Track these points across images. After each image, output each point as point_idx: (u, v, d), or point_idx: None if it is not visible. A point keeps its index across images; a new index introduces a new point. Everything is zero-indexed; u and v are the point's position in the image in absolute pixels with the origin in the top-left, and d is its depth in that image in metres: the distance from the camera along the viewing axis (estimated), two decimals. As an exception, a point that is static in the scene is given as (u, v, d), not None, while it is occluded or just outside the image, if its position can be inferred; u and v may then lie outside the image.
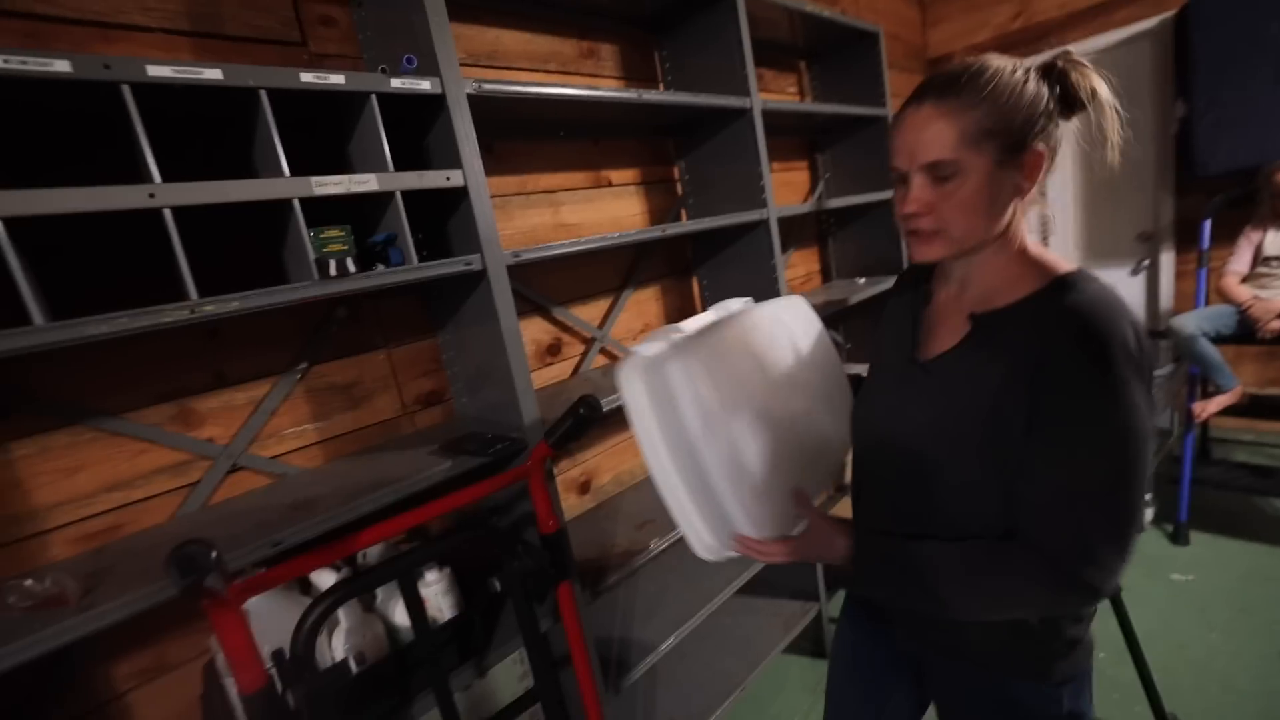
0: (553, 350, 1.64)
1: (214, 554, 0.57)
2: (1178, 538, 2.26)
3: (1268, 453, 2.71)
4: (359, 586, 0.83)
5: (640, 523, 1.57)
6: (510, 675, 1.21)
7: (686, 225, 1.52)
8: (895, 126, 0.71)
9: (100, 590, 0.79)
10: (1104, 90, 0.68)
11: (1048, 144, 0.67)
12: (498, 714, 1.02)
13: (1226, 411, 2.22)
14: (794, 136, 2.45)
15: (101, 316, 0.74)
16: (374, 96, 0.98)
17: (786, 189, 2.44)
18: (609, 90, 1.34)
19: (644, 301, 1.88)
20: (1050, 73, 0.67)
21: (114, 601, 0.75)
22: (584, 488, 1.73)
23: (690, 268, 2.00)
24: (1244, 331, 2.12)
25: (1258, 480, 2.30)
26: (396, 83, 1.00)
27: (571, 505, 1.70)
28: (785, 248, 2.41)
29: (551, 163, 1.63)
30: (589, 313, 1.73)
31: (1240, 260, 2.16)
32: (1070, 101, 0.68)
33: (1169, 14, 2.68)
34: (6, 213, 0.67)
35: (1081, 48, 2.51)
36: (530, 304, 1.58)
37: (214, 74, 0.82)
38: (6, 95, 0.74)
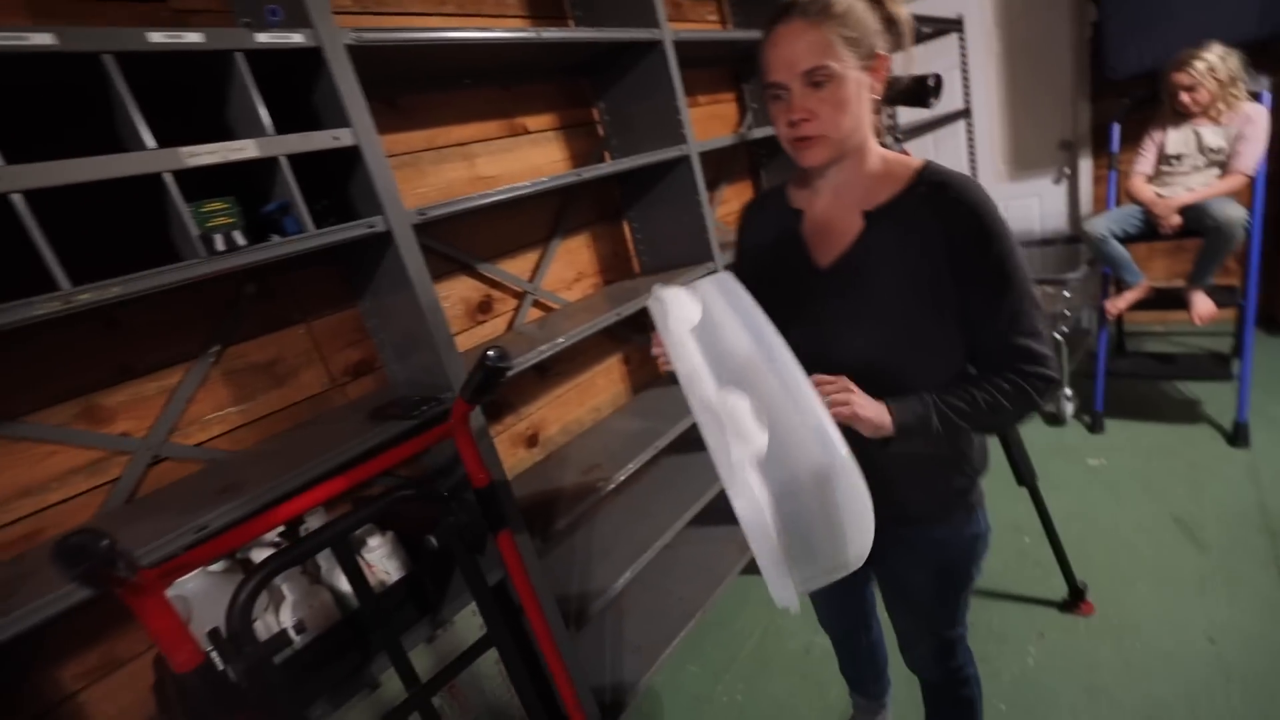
0: (484, 308, 1.62)
1: (105, 541, 0.57)
2: (1094, 427, 2.45)
3: (1174, 340, 2.92)
4: (290, 558, 0.84)
5: (588, 468, 1.62)
6: (472, 624, 1.26)
7: (601, 168, 1.49)
8: (769, 44, 0.77)
9: (17, 597, 0.78)
10: (906, 17, 0.80)
11: (887, 52, 0.78)
12: (455, 660, 1.07)
13: (1139, 306, 2.37)
14: (718, 67, 2.39)
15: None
16: (239, 55, 0.91)
17: (715, 122, 2.40)
18: (508, 31, 1.28)
19: (575, 250, 1.86)
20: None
21: (29, 605, 0.74)
22: (531, 441, 1.76)
23: (620, 212, 1.98)
24: (1150, 229, 2.23)
25: (1164, 367, 2.49)
26: (263, 38, 0.93)
27: (521, 459, 1.72)
28: (716, 183, 2.39)
29: (462, 114, 1.56)
30: (518, 266, 1.70)
31: (1145, 161, 2.25)
32: (892, 24, 0.79)
33: (1080, -87, 2.66)
34: None
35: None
36: (454, 262, 1.55)
37: (45, 39, 0.75)
38: None
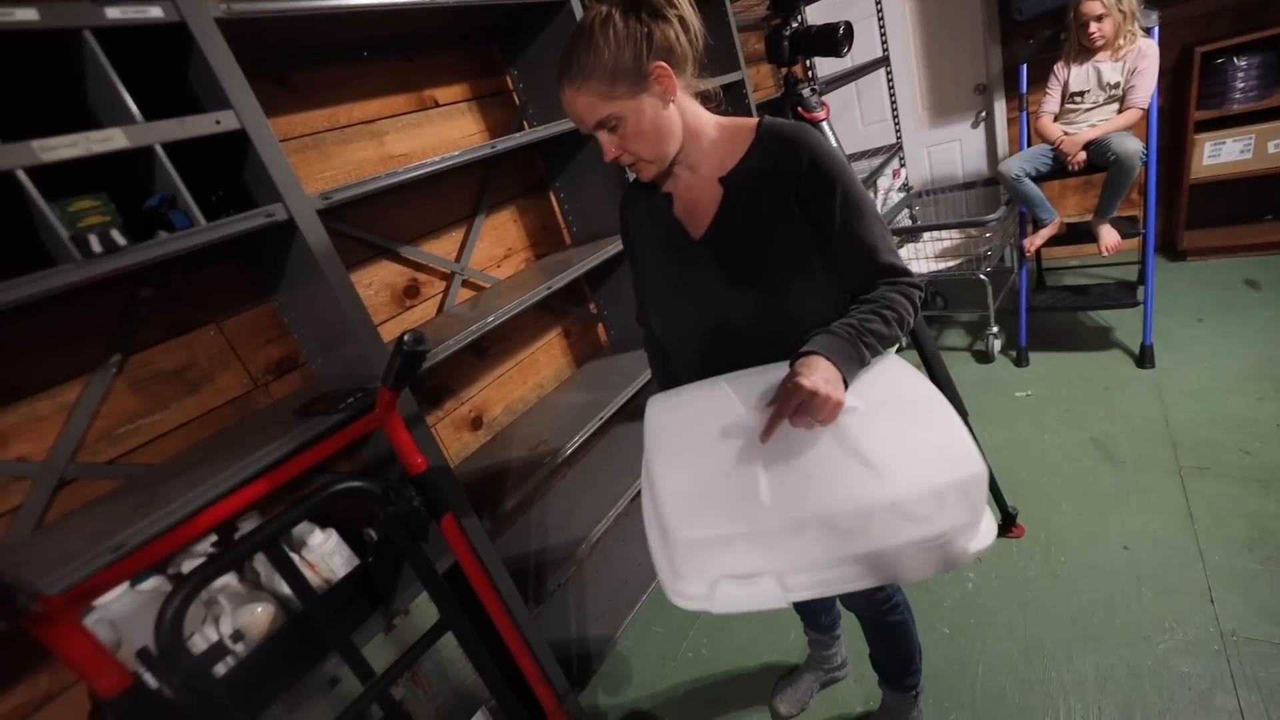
0: (410, 292, 1.57)
1: (-8, 575, 0.53)
2: (1020, 361, 2.59)
3: (1088, 273, 3.09)
4: (217, 567, 0.81)
5: (535, 444, 1.61)
6: (430, 611, 1.25)
7: (517, 137, 1.45)
8: (561, 102, 0.83)
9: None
10: (671, 34, 0.80)
11: (666, 57, 0.79)
12: (407, 651, 1.06)
13: (1055, 242, 2.49)
14: (636, 26, 2.34)
15: None
16: (88, 34, 0.83)
17: (638, 85, 2.35)
18: (398, -5, 1.21)
19: (501, 225, 1.81)
20: (632, 5, 0.78)
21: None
22: (476, 423, 1.73)
23: (545, 183, 1.94)
24: (1059, 167, 2.34)
25: (1079, 298, 2.64)
26: (115, 12, 0.85)
27: (466, 443, 1.70)
28: (646, 148, 2.36)
29: (364, 89, 1.48)
30: (443, 247, 1.65)
31: (1051, 100, 2.34)
32: (654, 11, 0.78)
33: None
34: None
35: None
36: (373, 247, 1.49)
37: None
38: None
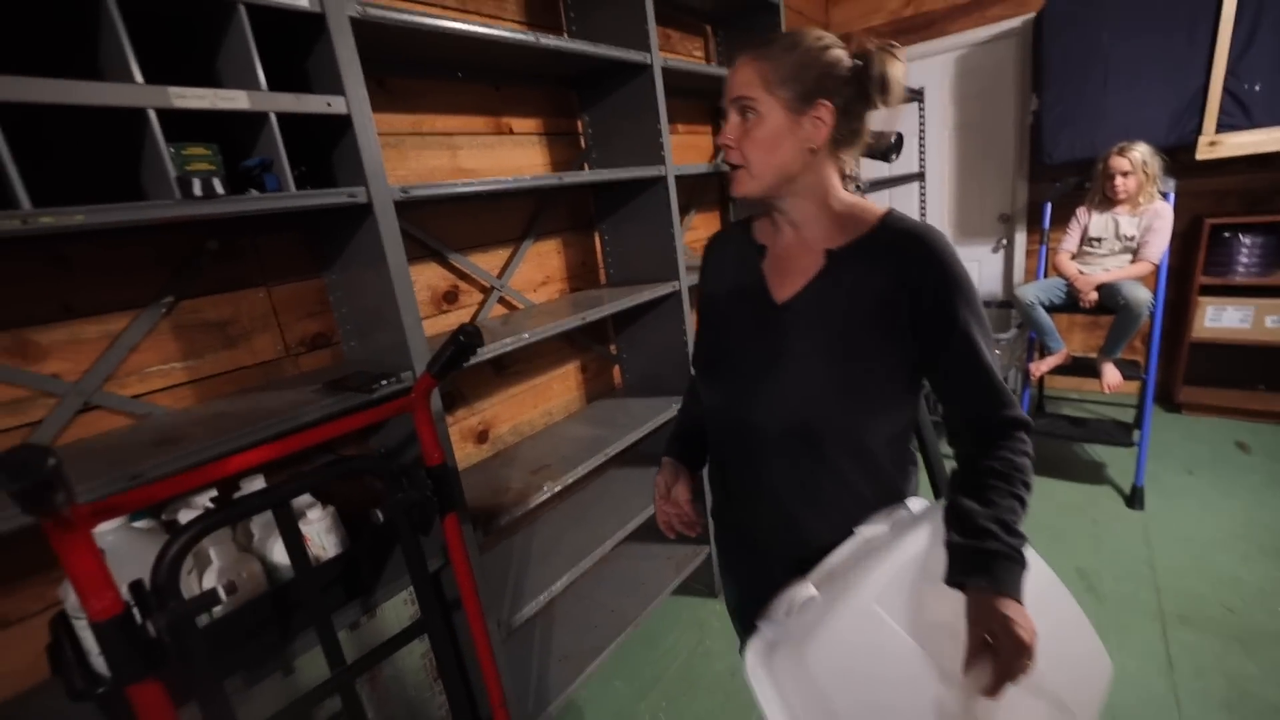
0: (449, 298, 1.62)
1: (53, 460, 0.54)
2: (1012, 480, 2.62)
3: (1086, 407, 3.18)
4: (226, 516, 0.81)
5: (536, 469, 1.62)
6: (401, 614, 1.23)
7: (583, 175, 1.54)
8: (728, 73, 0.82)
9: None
10: (897, 79, 0.77)
11: (840, 106, 0.77)
12: (384, 644, 1.04)
13: (1058, 371, 2.58)
14: (699, 99, 2.51)
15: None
16: (243, 7, 0.91)
17: (692, 151, 2.50)
18: (505, 30, 1.32)
19: (545, 254, 1.89)
20: (863, 53, 0.78)
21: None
22: (482, 436, 1.74)
23: (593, 222, 2.03)
24: (1071, 302, 2.46)
25: (1076, 429, 2.70)
26: (268, -6, 0.94)
27: (470, 454, 1.71)
28: (688, 209, 2.48)
29: (449, 104, 1.59)
30: (488, 261, 1.72)
31: (1071, 240, 2.49)
32: (869, 81, 0.77)
33: (1030, 15, 2.98)
34: None
35: (961, 39, 2.73)
36: (425, 249, 1.55)
37: (45, -41, 0.74)
38: None
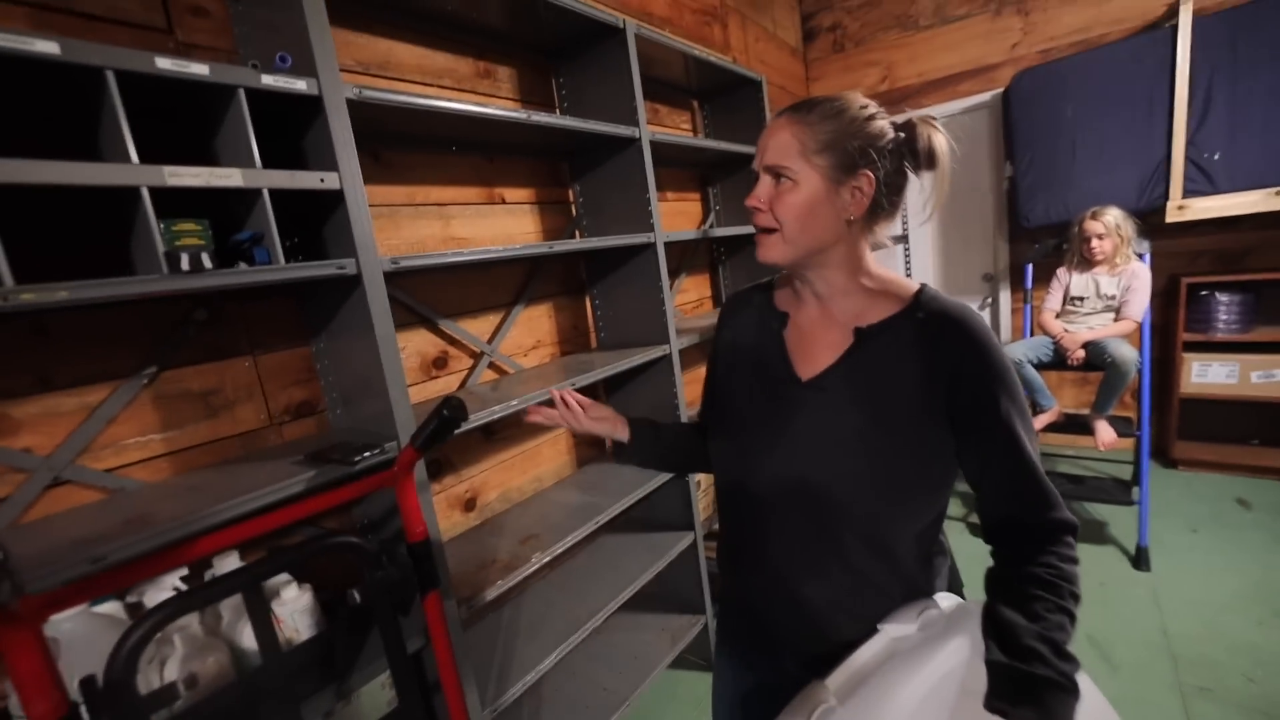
0: (439, 363, 1.61)
1: (0, 555, 0.51)
2: (1014, 540, 2.56)
3: (1082, 464, 3.15)
4: (192, 602, 0.77)
5: (524, 538, 1.56)
6: (379, 699, 1.15)
7: (572, 243, 1.57)
8: (767, 128, 0.80)
9: None
10: (941, 149, 0.75)
11: (881, 177, 0.74)
12: (357, 736, 0.97)
13: (1051, 429, 2.57)
14: (687, 169, 2.61)
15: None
16: (242, 91, 0.95)
17: (681, 217, 2.57)
18: (498, 109, 1.38)
19: (536, 318, 1.90)
20: (906, 125, 0.76)
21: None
22: (469, 504, 1.69)
23: (584, 287, 2.06)
24: (1059, 359, 2.48)
25: (1074, 488, 2.67)
26: (269, 79, 0.98)
27: (456, 522, 1.65)
28: (678, 273, 2.53)
29: (443, 176, 1.63)
30: (478, 326, 1.72)
31: (1054, 299, 2.54)
32: (915, 153, 0.75)
33: (999, 90, 3.15)
34: None
35: (936, 111, 2.88)
36: (415, 315, 1.56)
37: (49, 47, 0.77)
38: None
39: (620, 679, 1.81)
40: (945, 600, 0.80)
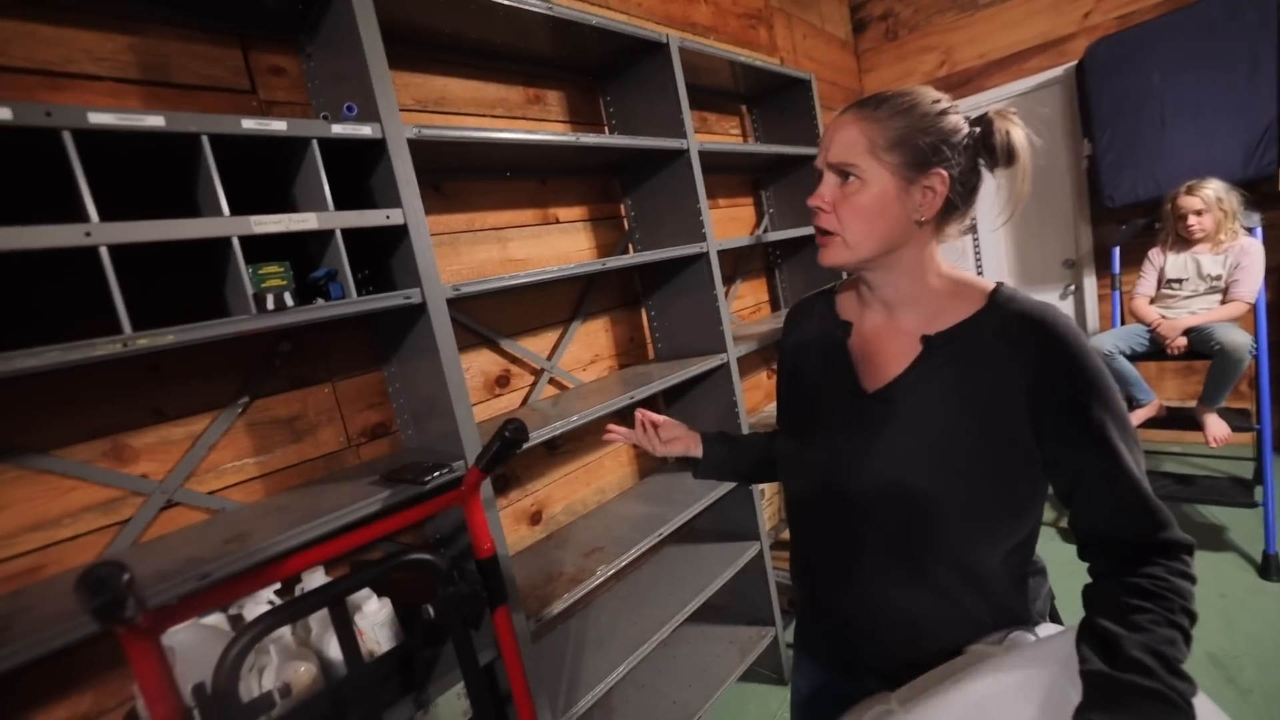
0: (501, 381, 1.67)
1: (126, 575, 0.58)
2: (1115, 548, 2.36)
3: (1192, 462, 2.86)
4: (286, 615, 0.83)
5: (589, 550, 1.59)
6: (455, 709, 1.20)
7: (625, 259, 1.59)
8: (833, 121, 0.77)
9: (13, 629, 0.78)
10: (1020, 144, 0.70)
11: (955, 175, 0.70)
12: (436, 745, 1.01)
13: (1154, 425, 2.36)
14: (738, 174, 2.59)
15: (31, 350, 0.76)
16: (315, 141, 1.03)
17: (734, 223, 2.56)
18: (549, 134, 1.42)
19: (593, 333, 1.94)
20: (982, 120, 0.71)
21: (23, 641, 0.74)
22: (535, 518, 1.74)
23: (639, 299, 2.08)
24: (1156, 349, 2.27)
25: (1184, 489, 2.43)
26: (338, 129, 1.05)
27: (523, 536, 1.70)
28: (733, 279, 2.51)
29: (499, 201, 1.70)
30: (538, 344, 1.77)
31: (1146, 283, 2.34)
32: (991, 150, 0.71)
33: (1072, 63, 2.94)
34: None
35: (1000, 93, 2.71)
36: (478, 336, 1.62)
37: (156, 121, 0.86)
38: (-58, 141, 0.77)
39: (690, 692, 1.80)
40: (1044, 630, 0.74)
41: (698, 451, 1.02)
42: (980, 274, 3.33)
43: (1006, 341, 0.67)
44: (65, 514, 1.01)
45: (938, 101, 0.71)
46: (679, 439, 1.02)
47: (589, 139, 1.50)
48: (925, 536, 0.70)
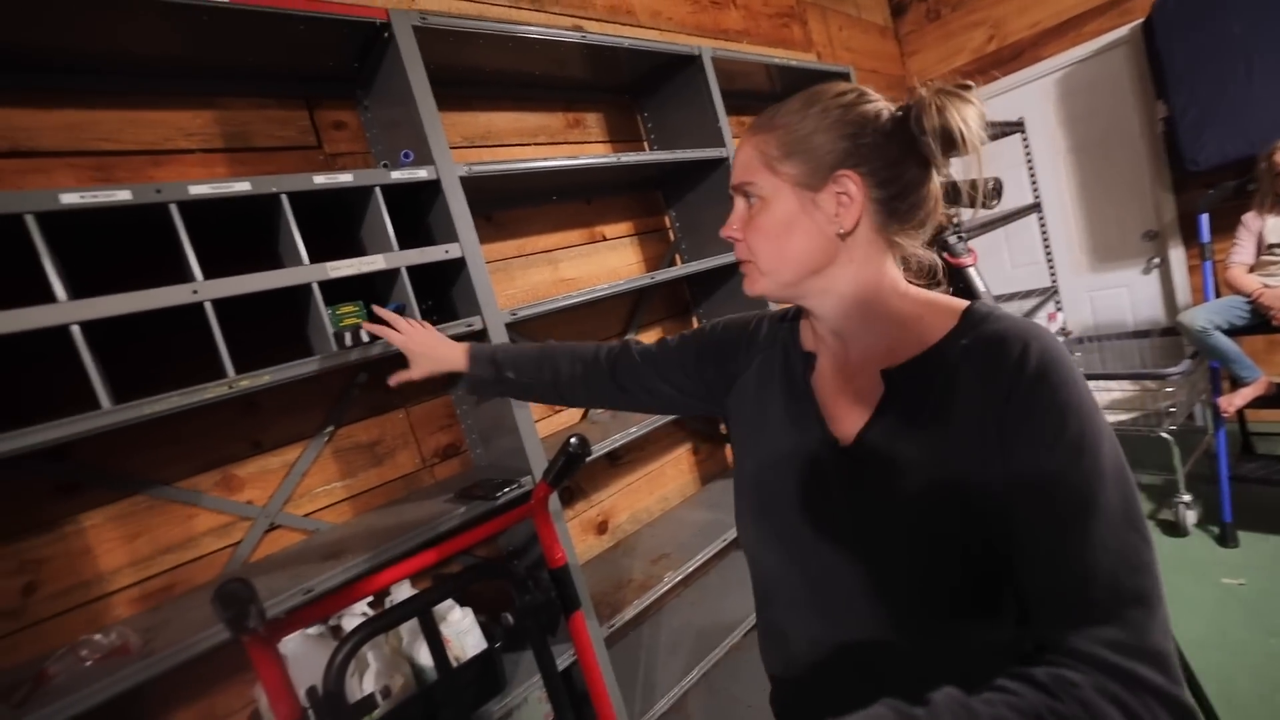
0: (561, 397, 1.74)
1: (251, 591, 0.66)
2: (1225, 539, 2.17)
3: (1313, 443, 2.59)
4: (381, 625, 0.91)
5: (656, 557, 1.62)
6: (536, 712, 1.26)
7: (673, 270, 1.63)
8: None
9: (156, 641, 0.89)
10: (960, 125, 0.56)
11: (873, 175, 0.58)
12: (520, 747, 1.07)
13: (1261, 404, 2.16)
14: (782, 175, 2.57)
15: (156, 397, 0.87)
16: (377, 189, 1.12)
17: (780, 225, 2.54)
18: (592, 157, 1.48)
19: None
20: (911, 104, 0.58)
21: (170, 650, 0.85)
22: (601, 527, 1.79)
23: (689, 307, 2.10)
24: (1259, 321, 2.08)
25: (1301, 472, 2.21)
26: (396, 175, 1.15)
27: (590, 545, 1.76)
28: (784, 280, 2.49)
29: (548, 224, 1.77)
30: (594, 359, 1.83)
31: (1243, 250, 2.15)
32: (925, 136, 0.57)
33: (1137, 21, 2.76)
34: (83, 317, 0.81)
35: (1057, 62, 2.57)
36: (537, 355, 1.69)
37: (243, 186, 0.97)
38: (82, 221, 0.90)
39: (764, 695, 1.79)
40: None
41: (461, 366, 0.97)
42: (1049, 258, 3.16)
43: (977, 369, 0.54)
44: (189, 538, 1.14)
45: (843, 94, 0.61)
46: (431, 352, 0.97)
47: (629, 158, 1.55)
48: (911, 631, 0.58)
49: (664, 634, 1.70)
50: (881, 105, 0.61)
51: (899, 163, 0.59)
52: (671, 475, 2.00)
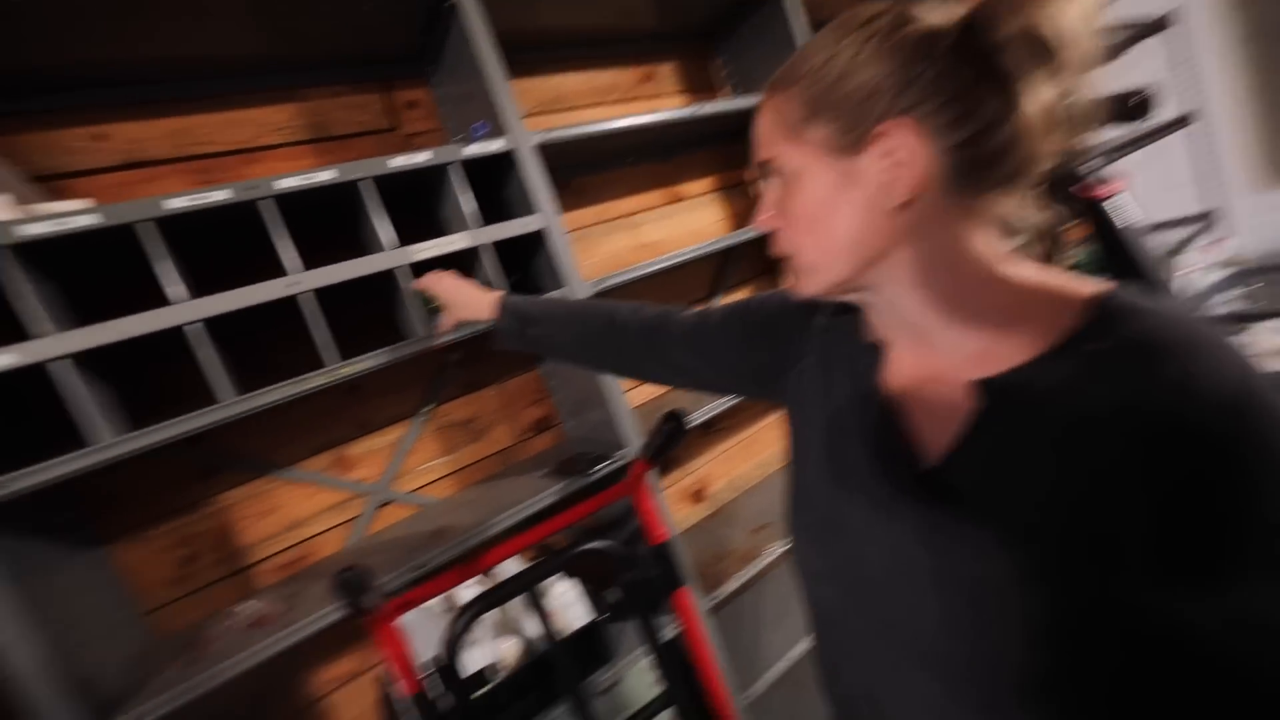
0: (649, 366, 1.70)
1: (372, 575, 0.68)
2: None
3: None
4: (492, 600, 0.92)
5: (756, 527, 1.57)
6: (645, 680, 1.26)
7: (750, 232, 1.52)
8: None
9: (295, 610, 0.96)
10: (1062, 26, 0.40)
11: (932, 119, 0.43)
12: (633, 716, 1.08)
13: None
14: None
15: (272, 387, 0.92)
16: (453, 166, 1.10)
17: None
18: (666, 111, 1.38)
19: (734, 306, 1.89)
20: (987, 5, 0.42)
21: (306, 619, 0.91)
22: (698, 496, 1.76)
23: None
24: None
25: None
26: (471, 149, 1.12)
27: (687, 514, 1.73)
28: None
29: (627, 188, 1.71)
30: (680, 325, 1.77)
31: None
32: (999, 51, 0.41)
33: None
34: (205, 314, 0.86)
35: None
36: (622, 325, 1.65)
37: (328, 175, 0.98)
38: (187, 224, 0.94)
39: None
40: None
41: (486, 315, 0.90)
42: (1210, 177, 2.69)
43: (1116, 390, 0.39)
44: (312, 514, 1.22)
45: (879, 15, 0.45)
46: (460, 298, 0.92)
47: (708, 108, 1.44)
48: (1014, 676, 0.44)
49: (768, 605, 1.66)
50: (937, 18, 0.44)
51: (969, 93, 0.42)
52: (768, 441, 1.93)
